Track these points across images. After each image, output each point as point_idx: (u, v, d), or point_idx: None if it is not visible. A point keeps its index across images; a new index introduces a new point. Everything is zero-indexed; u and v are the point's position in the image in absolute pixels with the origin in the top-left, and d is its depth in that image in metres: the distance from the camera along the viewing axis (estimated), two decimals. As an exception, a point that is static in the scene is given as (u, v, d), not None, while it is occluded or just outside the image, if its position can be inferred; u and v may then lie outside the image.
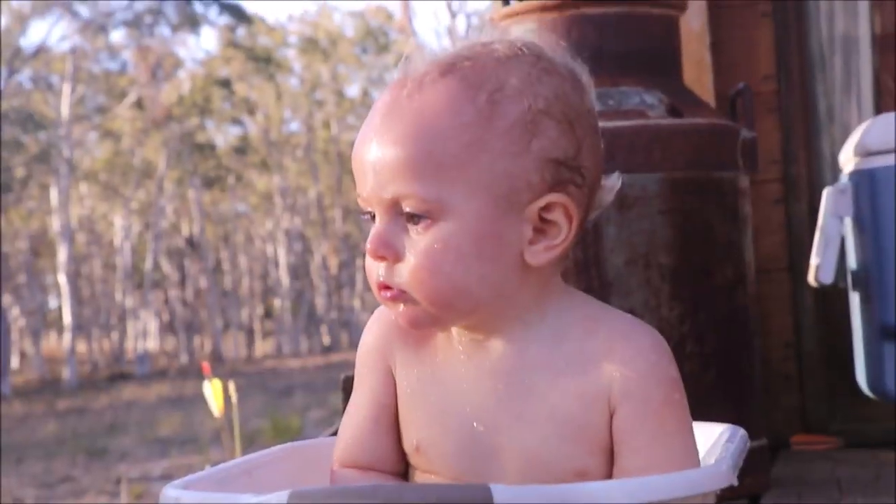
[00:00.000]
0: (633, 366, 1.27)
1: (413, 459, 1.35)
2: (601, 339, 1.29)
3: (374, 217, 1.30)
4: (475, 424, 1.29)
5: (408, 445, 1.35)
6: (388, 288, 1.28)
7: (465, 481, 1.28)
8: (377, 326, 1.39)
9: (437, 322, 1.30)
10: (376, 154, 1.26)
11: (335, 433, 1.47)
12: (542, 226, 1.27)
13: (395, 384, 1.36)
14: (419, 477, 1.34)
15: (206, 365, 3.99)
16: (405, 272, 1.27)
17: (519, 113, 1.26)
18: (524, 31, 2.89)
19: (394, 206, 1.27)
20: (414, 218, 1.26)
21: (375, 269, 1.29)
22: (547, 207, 1.27)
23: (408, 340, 1.35)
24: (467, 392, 1.30)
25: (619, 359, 1.27)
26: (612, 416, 1.27)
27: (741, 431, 1.41)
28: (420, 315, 1.29)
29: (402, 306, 1.29)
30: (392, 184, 1.25)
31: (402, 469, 1.37)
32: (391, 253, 1.27)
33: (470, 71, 1.27)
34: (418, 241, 1.26)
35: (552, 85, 1.28)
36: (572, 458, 1.27)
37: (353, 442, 1.38)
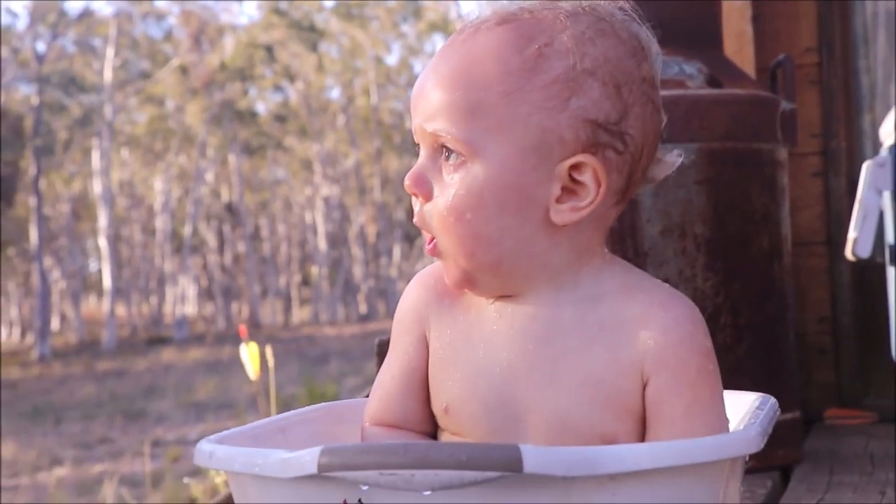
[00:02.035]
0: (670, 335, 1.27)
1: (441, 421, 1.36)
2: (638, 306, 1.29)
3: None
4: (505, 385, 1.30)
5: (437, 407, 1.36)
6: (430, 241, 1.31)
7: (493, 442, 1.29)
8: (415, 290, 1.40)
9: (470, 278, 1.31)
10: (425, 91, 1.30)
11: (368, 396, 1.49)
12: (572, 185, 1.27)
13: (427, 348, 1.37)
14: (447, 438, 1.35)
15: (243, 328, 4.02)
16: (433, 213, 1.29)
17: (563, 69, 1.26)
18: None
19: (433, 143, 1.29)
20: (448, 155, 1.28)
21: (415, 206, 1.33)
22: (577, 167, 1.26)
23: (443, 302, 1.36)
24: (499, 353, 1.31)
25: (655, 327, 1.27)
26: (644, 385, 1.27)
27: (772, 400, 1.41)
28: (454, 271, 1.31)
29: (444, 263, 1.32)
30: (432, 120, 1.28)
31: (431, 429, 1.38)
32: (423, 190, 1.30)
33: (526, 23, 1.29)
34: (448, 184, 1.28)
35: (605, 47, 1.28)
36: (601, 423, 1.27)
37: (383, 401, 1.39)
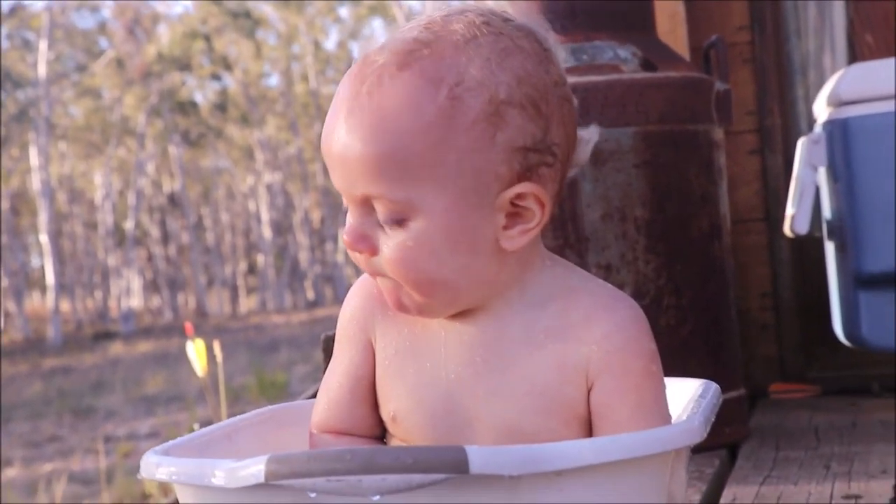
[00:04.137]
0: (613, 339, 1.27)
1: (390, 428, 1.36)
2: (581, 310, 1.29)
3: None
4: (452, 395, 1.30)
5: (385, 414, 1.36)
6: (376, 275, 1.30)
7: (441, 448, 1.30)
8: (358, 296, 1.38)
9: (425, 310, 1.30)
10: (343, 152, 1.25)
11: (315, 394, 1.49)
12: (516, 210, 1.27)
13: (373, 355, 1.36)
14: (396, 444, 1.35)
15: (188, 325, 4.01)
16: (384, 265, 1.27)
17: (481, 107, 1.23)
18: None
19: (365, 203, 1.26)
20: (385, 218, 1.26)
21: (359, 258, 1.30)
22: (518, 196, 1.26)
23: (388, 312, 1.35)
24: (446, 364, 1.31)
25: (598, 332, 1.27)
26: (589, 390, 1.28)
27: (714, 386, 1.42)
28: (407, 302, 1.30)
29: (393, 291, 1.30)
30: (360, 183, 1.24)
31: (379, 434, 1.38)
32: (367, 247, 1.27)
33: (428, 63, 1.24)
34: (391, 237, 1.25)
35: (514, 67, 1.25)
36: (548, 430, 1.27)
37: (330, 409, 1.39)
